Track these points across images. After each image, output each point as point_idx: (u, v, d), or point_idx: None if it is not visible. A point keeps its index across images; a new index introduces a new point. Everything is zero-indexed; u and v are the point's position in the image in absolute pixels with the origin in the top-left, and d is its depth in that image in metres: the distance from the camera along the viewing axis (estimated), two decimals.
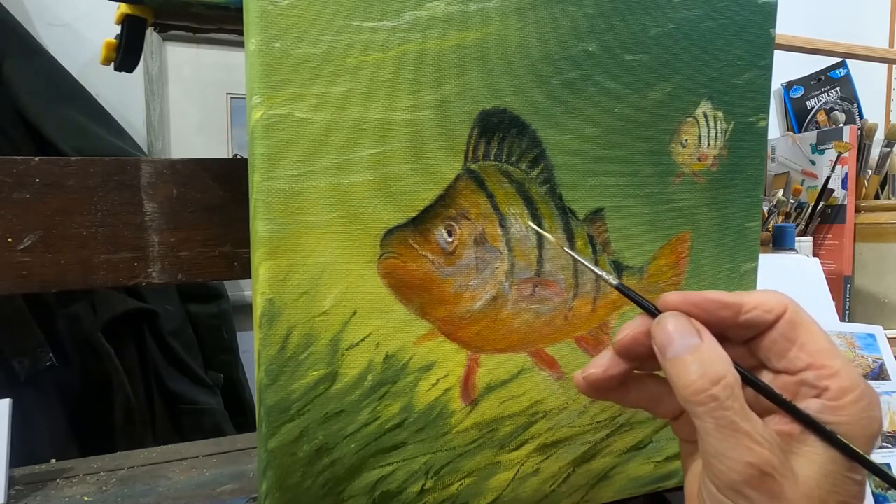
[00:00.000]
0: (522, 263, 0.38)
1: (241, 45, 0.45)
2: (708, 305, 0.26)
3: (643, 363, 0.29)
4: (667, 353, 0.26)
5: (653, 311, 0.27)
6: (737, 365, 0.25)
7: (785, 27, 0.70)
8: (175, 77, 0.96)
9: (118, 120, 0.88)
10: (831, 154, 1.05)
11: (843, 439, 0.24)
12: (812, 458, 0.24)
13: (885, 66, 1.50)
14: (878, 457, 0.57)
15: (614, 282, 0.30)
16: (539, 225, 0.38)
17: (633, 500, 0.46)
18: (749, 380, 0.26)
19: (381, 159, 0.34)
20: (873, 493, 0.54)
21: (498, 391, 0.39)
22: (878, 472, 0.25)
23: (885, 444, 0.58)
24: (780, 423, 0.25)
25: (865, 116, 1.38)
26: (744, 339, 0.27)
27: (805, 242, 0.96)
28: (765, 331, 0.26)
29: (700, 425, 0.24)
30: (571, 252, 0.33)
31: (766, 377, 0.27)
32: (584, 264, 0.31)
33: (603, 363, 0.28)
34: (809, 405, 0.25)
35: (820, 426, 0.24)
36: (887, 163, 1.07)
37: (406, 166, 0.35)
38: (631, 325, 0.28)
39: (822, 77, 1.39)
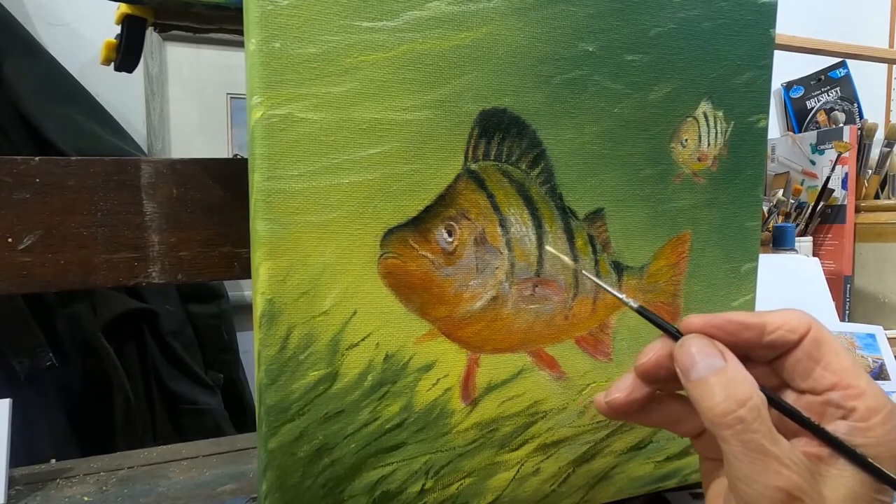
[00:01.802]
0: (522, 263, 0.38)
1: (241, 45, 0.45)
2: (730, 327, 0.26)
3: (665, 385, 0.28)
4: (690, 375, 0.25)
5: (675, 334, 0.27)
6: (763, 387, 0.25)
7: (785, 27, 0.70)
8: (175, 77, 0.96)
9: (118, 120, 0.88)
10: (831, 154, 1.05)
11: (874, 462, 0.23)
12: (841, 481, 0.24)
13: (885, 66, 1.50)
14: None
15: (635, 305, 0.29)
16: (539, 225, 0.38)
17: (633, 500, 0.46)
18: (776, 402, 0.25)
19: (381, 159, 0.34)
20: None
21: (498, 391, 0.39)
22: None
23: None
24: (807, 444, 0.25)
25: (865, 116, 1.39)
26: (767, 359, 0.27)
27: (805, 242, 0.96)
28: (788, 350, 0.26)
29: (726, 448, 0.24)
30: (591, 276, 0.33)
31: (789, 397, 0.26)
32: (604, 288, 0.31)
33: (626, 387, 0.28)
34: (838, 427, 0.24)
35: (850, 449, 0.24)
36: (887, 163, 1.07)
37: (406, 166, 0.35)
38: (653, 349, 0.28)
39: (822, 77, 1.39)
